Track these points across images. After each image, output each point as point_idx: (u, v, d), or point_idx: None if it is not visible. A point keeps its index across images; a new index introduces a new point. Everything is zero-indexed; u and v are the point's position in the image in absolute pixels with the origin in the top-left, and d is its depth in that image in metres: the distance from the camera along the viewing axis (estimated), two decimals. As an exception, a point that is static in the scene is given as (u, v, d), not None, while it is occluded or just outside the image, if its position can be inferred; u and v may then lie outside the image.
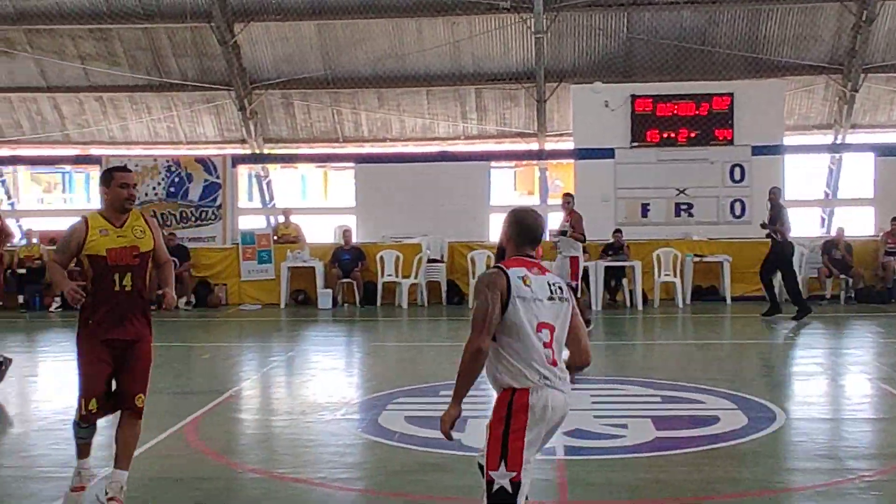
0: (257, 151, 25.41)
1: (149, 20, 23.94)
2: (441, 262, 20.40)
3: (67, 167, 28.86)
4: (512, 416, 4.82)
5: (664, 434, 8.63)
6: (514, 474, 4.75)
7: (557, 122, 24.79)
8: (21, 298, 19.84)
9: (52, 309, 19.68)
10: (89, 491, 6.80)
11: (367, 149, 25.59)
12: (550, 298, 4.95)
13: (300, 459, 8.14)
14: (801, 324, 16.56)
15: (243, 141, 25.63)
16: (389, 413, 9.54)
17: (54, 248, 6.77)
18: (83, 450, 6.83)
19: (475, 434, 8.68)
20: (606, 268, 19.33)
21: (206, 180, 22.43)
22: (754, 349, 14.47)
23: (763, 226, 17.25)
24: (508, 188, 30.69)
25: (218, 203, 22.39)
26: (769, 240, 17.23)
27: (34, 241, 20.74)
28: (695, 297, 19.95)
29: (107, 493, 6.54)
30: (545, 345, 4.88)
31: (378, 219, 22.34)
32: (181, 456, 8.17)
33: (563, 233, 15.32)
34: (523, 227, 5.14)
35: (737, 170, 21.75)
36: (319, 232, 22.53)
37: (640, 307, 19.12)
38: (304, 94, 25.10)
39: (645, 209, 21.87)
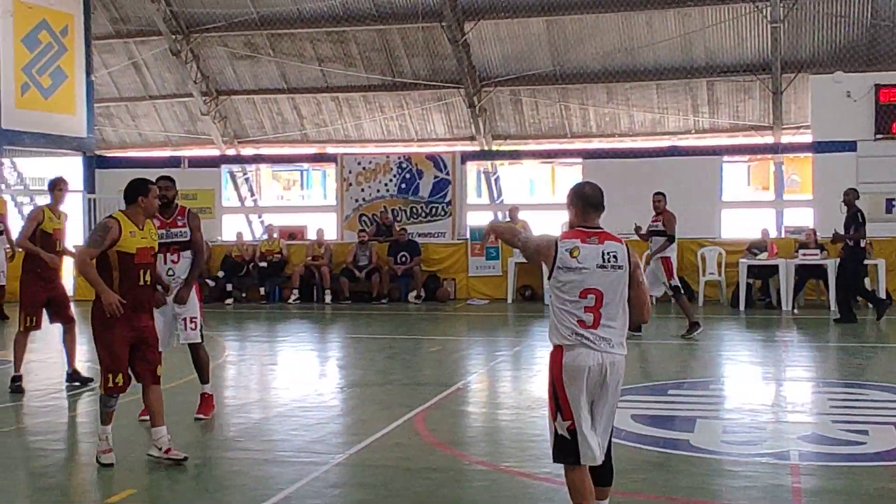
0: (486, 148, 25.71)
1: (382, 22, 24.65)
2: (670, 258, 20.01)
3: (305, 165, 30.08)
4: (555, 373, 5.55)
5: (909, 442, 8.16)
6: (570, 423, 5.47)
7: (794, 114, 23.85)
8: (262, 290, 20.81)
9: (290, 301, 20.54)
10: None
11: (595, 144, 25.42)
12: (602, 266, 5.50)
13: (526, 454, 8.17)
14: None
15: (472, 138, 25.99)
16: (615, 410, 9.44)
17: (86, 244, 7.92)
18: (109, 417, 7.81)
19: (704, 434, 8.50)
20: (846, 266, 18.37)
21: (436, 177, 22.86)
22: None
23: (836, 238, 16.32)
24: (742, 183, 29.76)
25: (447, 199, 22.78)
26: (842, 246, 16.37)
27: (274, 235, 21.72)
28: (945, 298, 18.72)
29: (160, 448, 7.75)
30: (587, 309, 5.46)
31: (606, 215, 22.02)
32: (411, 446, 8.35)
33: (654, 232, 15.07)
34: (583, 196, 5.78)
35: None
36: (547, 228, 22.53)
37: (883, 308, 18.11)
38: (533, 91, 25.20)
39: (890, 204, 20.71)
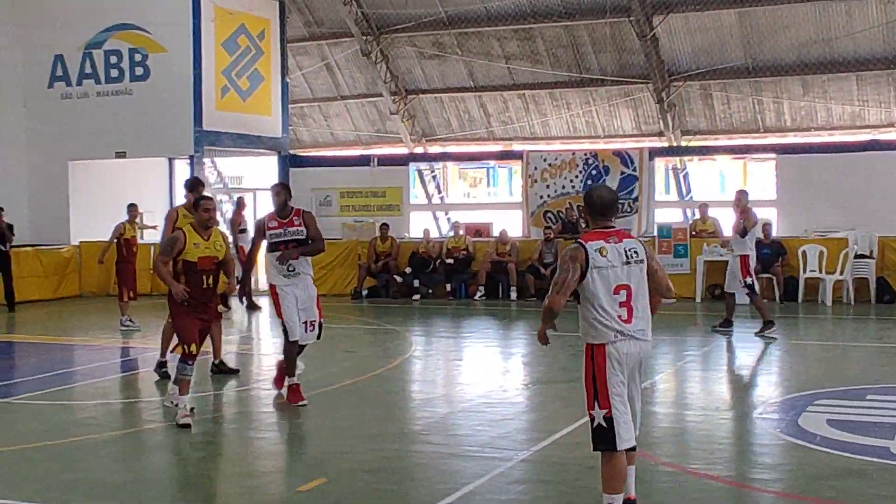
0: (674, 144, 25.23)
1: (569, 18, 24.50)
2: (870, 257, 19.12)
3: (491, 162, 30.20)
4: (595, 365, 5.97)
5: None
6: (607, 411, 5.93)
7: None
8: (448, 287, 21.03)
9: (476, 297, 20.68)
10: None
11: (790, 139, 24.56)
12: (626, 263, 5.97)
13: (714, 456, 7.98)
14: None
15: (660, 134, 25.55)
16: (810, 415, 9.10)
17: (160, 253, 9.48)
18: (186, 387, 9.20)
19: (907, 442, 8.08)
20: None
21: (622, 173, 22.59)
22: None
23: None
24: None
25: (634, 196, 22.48)
26: None
27: (461, 233, 21.91)
28: None
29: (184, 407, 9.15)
30: (621, 304, 5.95)
31: (800, 212, 21.38)
32: (595, 444, 8.28)
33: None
34: (594, 201, 6.17)
35: None
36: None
37: None
38: (724, 85, 24.55)
39: None
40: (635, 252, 6.01)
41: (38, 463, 8.08)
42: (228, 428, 9.34)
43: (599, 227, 6.08)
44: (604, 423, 5.93)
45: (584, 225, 6.09)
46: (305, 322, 9.95)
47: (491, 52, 25.98)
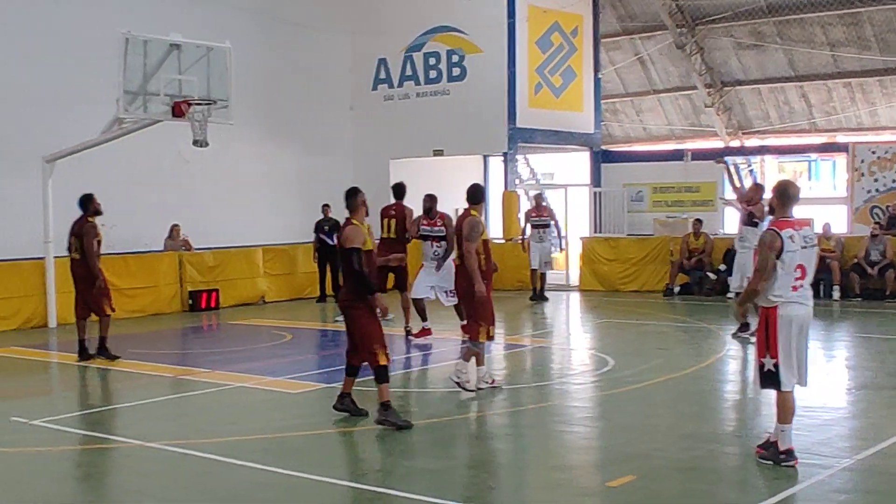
0: None
1: (901, 0, 23.00)
2: None
3: (813, 155, 28.90)
4: (769, 323, 7.28)
5: None
6: (776, 361, 7.25)
7: None
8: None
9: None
10: None
11: None
12: (804, 247, 7.22)
13: None
14: None
15: None
16: None
17: (468, 239, 10.14)
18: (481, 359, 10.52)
19: None
20: None
21: (960, 165, 20.91)
22: None
23: None
24: None
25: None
26: None
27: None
28: None
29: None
30: (796, 278, 7.20)
31: None
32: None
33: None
34: (785, 195, 7.36)
35: None
36: None
37: None
38: None
39: None
40: (811, 238, 7.28)
41: (365, 446, 8.57)
42: (539, 421, 9.46)
43: (786, 216, 7.30)
44: (773, 369, 7.28)
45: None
46: (446, 290, 13.27)
47: (814, 40, 24.82)
